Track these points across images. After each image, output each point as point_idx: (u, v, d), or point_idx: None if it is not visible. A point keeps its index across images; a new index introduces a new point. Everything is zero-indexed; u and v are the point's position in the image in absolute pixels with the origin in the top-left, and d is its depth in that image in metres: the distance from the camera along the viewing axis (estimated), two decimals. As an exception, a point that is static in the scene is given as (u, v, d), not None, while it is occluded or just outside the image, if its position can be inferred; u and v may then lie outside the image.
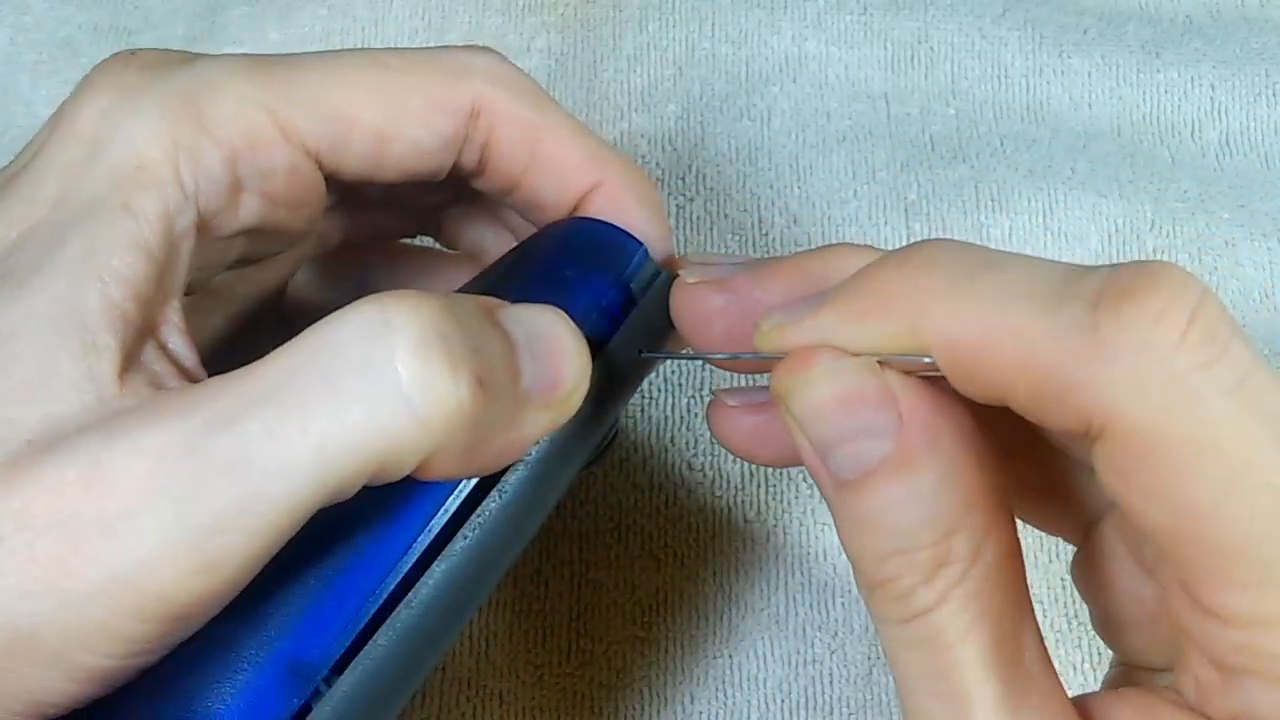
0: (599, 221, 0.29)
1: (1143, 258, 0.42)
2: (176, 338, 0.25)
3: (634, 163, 0.31)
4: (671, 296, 0.27)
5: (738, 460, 0.39)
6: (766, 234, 0.43)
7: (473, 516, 0.25)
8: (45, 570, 0.21)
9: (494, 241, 0.34)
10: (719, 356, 0.27)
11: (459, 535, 0.25)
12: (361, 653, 0.24)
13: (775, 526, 0.39)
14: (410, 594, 0.24)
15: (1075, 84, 0.46)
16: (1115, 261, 0.42)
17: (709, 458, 0.40)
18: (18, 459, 0.22)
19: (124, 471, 0.21)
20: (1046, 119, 0.46)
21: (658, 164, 0.45)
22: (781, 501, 0.39)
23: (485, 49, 0.29)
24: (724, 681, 0.37)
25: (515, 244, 0.32)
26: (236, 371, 0.22)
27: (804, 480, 0.39)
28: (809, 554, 0.38)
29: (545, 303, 0.25)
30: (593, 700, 0.37)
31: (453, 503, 0.25)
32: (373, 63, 0.28)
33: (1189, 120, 0.46)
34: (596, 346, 0.26)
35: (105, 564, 0.21)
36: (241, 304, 0.31)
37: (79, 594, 0.21)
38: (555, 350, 0.25)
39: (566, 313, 0.25)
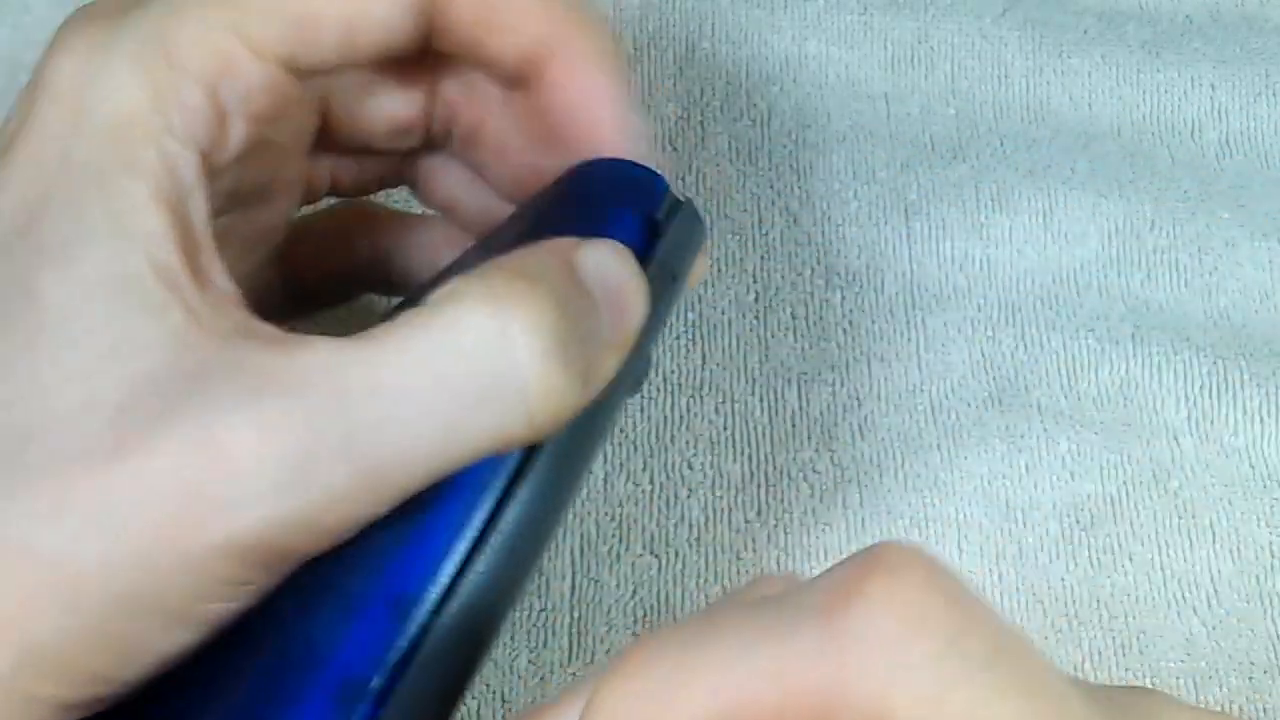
0: (617, 161, 0.29)
1: (1143, 258, 0.42)
2: (224, 282, 0.25)
3: (599, 22, 0.29)
4: None
5: (738, 460, 0.39)
6: (766, 234, 0.43)
7: (544, 448, 0.26)
8: (165, 533, 0.22)
9: (469, 194, 0.33)
10: None
11: (533, 465, 0.25)
12: (462, 582, 0.25)
13: (776, 526, 0.39)
14: (499, 520, 0.25)
15: (1075, 84, 0.46)
16: (1114, 263, 0.42)
17: (709, 457, 0.40)
18: (122, 428, 0.22)
19: (236, 441, 0.22)
20: (1046, 119, 0.46)
21: (658, 164, 0.45)
22: (782, 502, 0.39)
23: None
24: (724, 681, 0.37)
25: (490, 197, 0.32)
26: (345, 345, 0.23)
27: (804, 480, 0.39)
28: (810, 554, 0.38)
29: None
30: (593, 700, 0.37)
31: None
32: None
33: (1189, 120, 0.46)
34: None
35: (223, 526, 0.22)
36: (243, 250, 0.31)
37: (199, 554, 0.22)
38: (625, 299, 0.25)
39: None
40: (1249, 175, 0.45)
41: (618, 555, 0.38)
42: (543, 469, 0.26)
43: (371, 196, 0.35)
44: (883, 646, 0.18)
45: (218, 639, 0.24)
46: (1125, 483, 0.39)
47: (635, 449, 0.40)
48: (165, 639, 0.23)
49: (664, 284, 0.28)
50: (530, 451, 0.25)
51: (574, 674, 0.37)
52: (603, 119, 0.29)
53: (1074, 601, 0.37)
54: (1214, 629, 0.37)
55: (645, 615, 0.38)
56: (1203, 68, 0.46)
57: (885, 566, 0.19)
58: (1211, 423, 0.40)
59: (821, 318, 0.42)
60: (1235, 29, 0.47)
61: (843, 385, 0.41)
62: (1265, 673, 0.36)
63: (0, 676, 0.22)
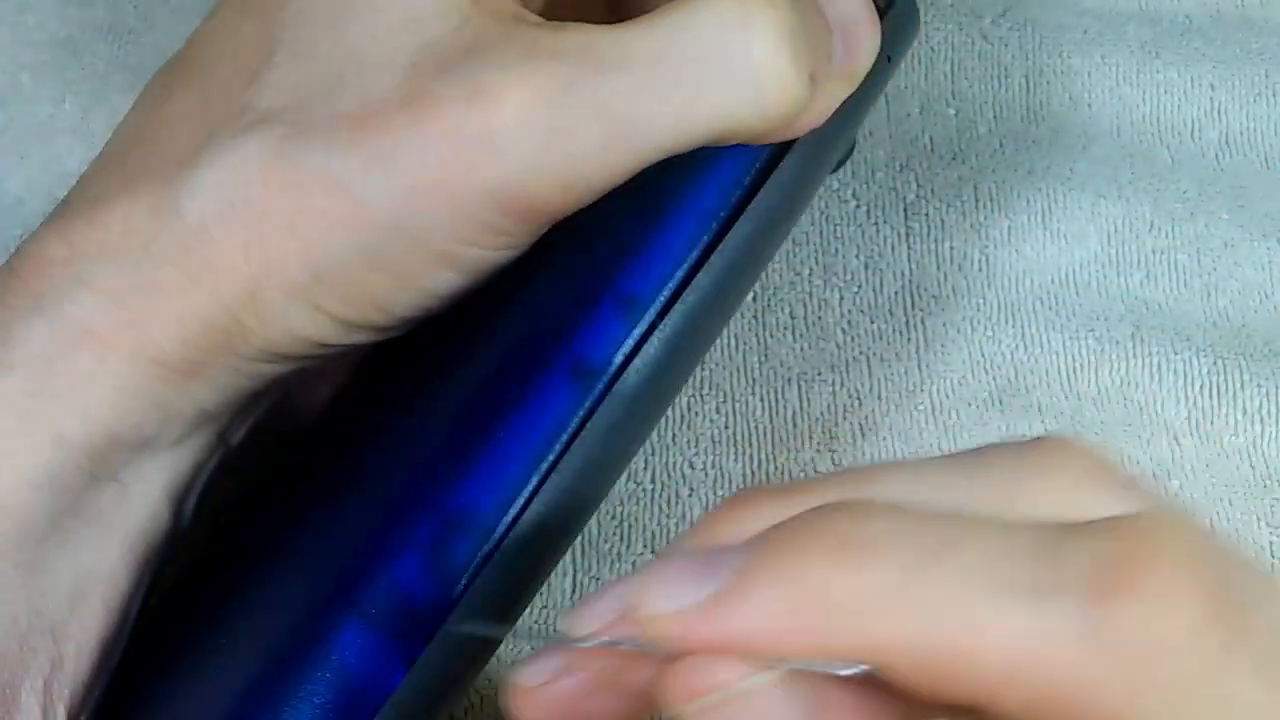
0: None
1: (1143, 258, 0.42)
2: None
3: None
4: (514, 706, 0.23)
5: (739, 459, 0.39)
6: (767, 234, 0.43)
7: (767, 183, 0.29)
8: (437, 174, 0.25)
9: None
10: (593, 644, 0.21)
11: (755, 200, 0.29)
12: (687, 289, 0.28)
13: (776, 526, 0.39)
14: (722, 243, 0.29)
15: (1075, 84, 0.46)
16: (1114, 263, 0.42)
17: (710, 456, 0.40)
18: (408, 81, 0.25)
19: (507, 96, 0.24)
20: (1046, 119, 0.46)
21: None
22: (782, 501, 0.39)
23: None
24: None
25: None
26: (598, 28, 0.25)
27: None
28: (810, 553, 0.38)
29: None
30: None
31: (751, 169, 0.29)
32: None
33: (1189, 120, 0.46)
34: None
35: (490, 172, 0.25)
36: None
37: (466, 197, 0.25)
38: (858, 32, 0.27)
39: None
40: (1249, 176, 0.45)
41: (619, 554, 0.38)
42: (764, 202, 0.29)
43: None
44: (1155, 665, 0.18)
45: (462, 316, 0.28)
46: (1125, 482, 0.39)
47: (636, 448, 0.40)
48: (431, 276, 0.26)
49: (879, 64, 0.30)
50: (753, 188, 0.29)
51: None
52: None
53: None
54: (1214, 629, 0.37)
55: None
56: (1202, 68, 0.46)
57: (1169, 555, 0.18)
58: (1211, 423, 0.40)
59: (821, 317, 0.42)
60: (1235, 29, 0.47)
61: (843, 385, 0.41)
62: (1265, 672, 0.36)
63: (297, 286, 0.25)
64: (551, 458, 0.27)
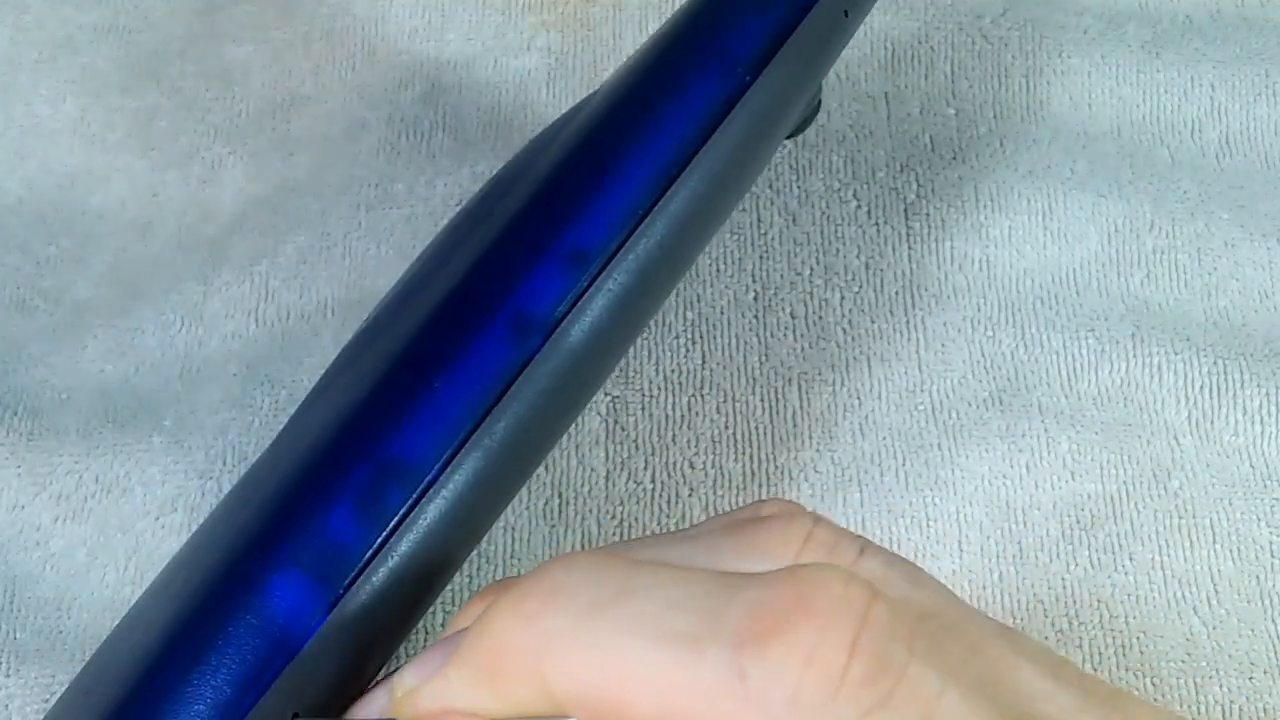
0: None
1: (1143, 258, 0.42)
2: None
3: None
4: None
5: (740, 459, 0.39)
6: (765, 233, 0.43)
7: (713, 137, 0.30)
8: None
9: None
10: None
11: (701, 154, 0.30)
12: (632, 244, 0.29)
13: (776, 525, 0.39)
14: (668, 198, 0.29)
15: (1075, 84, 0.46)
16: (1114, 263, 0.42)
17: (711, 456, 0.40)
18: None
19: None
20: (1046, 119, 0.46)
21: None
22: (782, 500, 0.39)
23: None
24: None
25: None
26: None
27: (805, 480, 0.39)
28: (810, 553, 0.38)
29: None
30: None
31: (699, 123, 0.30)
32: None
33: (1189, 120, 0.46)
34: (807, 5, 0.31)
35: None
36: None
37: None
38: None
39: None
40: (1249, 175, 0.45)
41: (618, 554, 0.38)
42: (711, 156, 0.30)
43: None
44: (794, 701, 0.17)
45: (418, 272, 0.29)
46: (1125, 483, 0.39)
47: (637, 448, 0.40)
48: None
49: (836, 18, 0.30)
50: (699, 143, 0.29)
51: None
52: None
53: (1074, 601, 0.37)
54: (1214, 629, 0.37)
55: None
56: (1203, 68, 0.46)
57: (819, 604, 0.18)
58: (1211, 423, 0.40)
59: (821, 317, 0.42)
60: (1235, 29, 0.47)
61: (843, 385, 0.41)
62: (1265, 673, 0.36)
63: None
64: (486, 408, 0.27)
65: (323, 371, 0.30)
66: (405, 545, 0.26)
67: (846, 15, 0.32)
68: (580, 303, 0.28)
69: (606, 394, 0.41)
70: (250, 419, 0.41)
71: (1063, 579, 0.38)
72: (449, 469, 0.27)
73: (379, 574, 0.26)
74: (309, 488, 0.27)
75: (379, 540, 0.26)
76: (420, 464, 0.26)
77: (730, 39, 0.31)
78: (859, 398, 0.40)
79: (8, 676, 0.37)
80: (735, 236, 0.43)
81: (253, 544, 0.26)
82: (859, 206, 0.44)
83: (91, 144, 0.46)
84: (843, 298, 0.42)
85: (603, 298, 0.28)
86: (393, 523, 0.26)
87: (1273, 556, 0.38)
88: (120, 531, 0.39)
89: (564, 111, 0.32)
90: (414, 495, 0.26)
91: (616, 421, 0.40)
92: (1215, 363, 0.40)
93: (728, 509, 0.39)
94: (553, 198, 0.29)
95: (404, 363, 0.28)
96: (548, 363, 0.28)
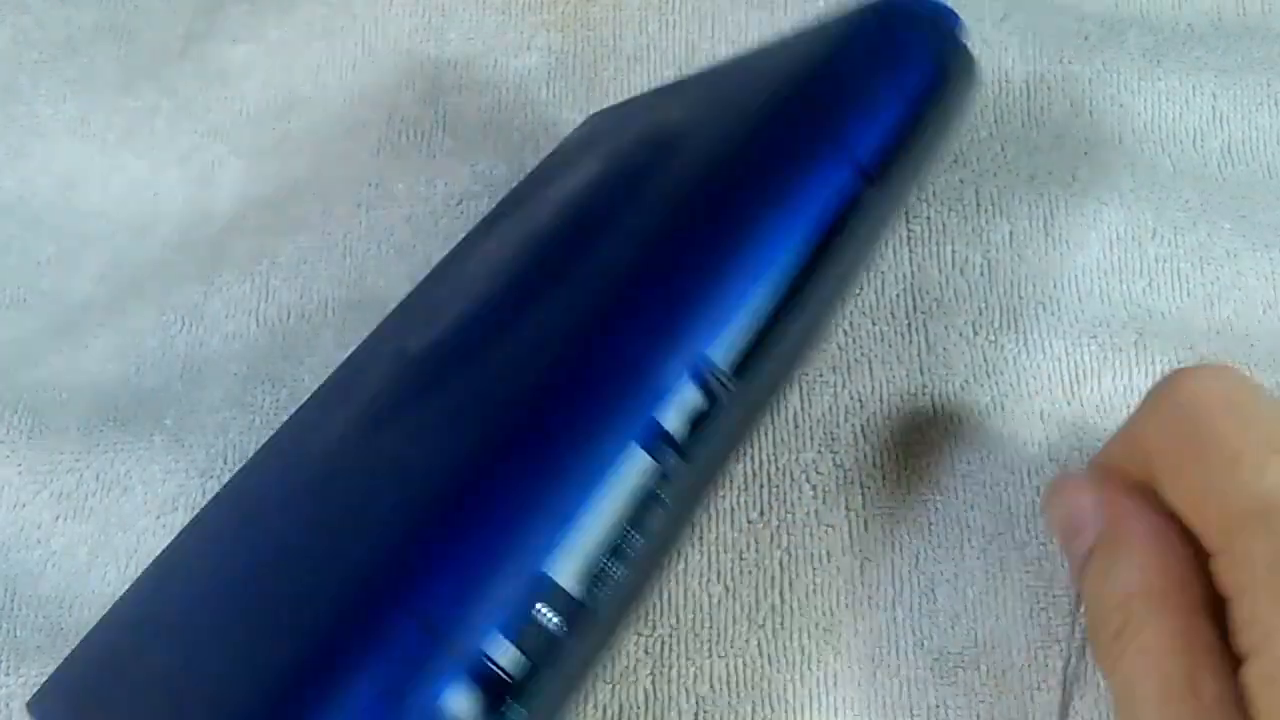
0: None
1: (1145, 266, 0.42)
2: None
3: None
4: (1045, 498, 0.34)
5: (740, 460, 0.39)
6: (768, 237, 0.43)
7: (829, 252, 0.30)
8: None
9: None
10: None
11: (828, 261, 0.30)
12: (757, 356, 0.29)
13: (779, 527, 0.38)
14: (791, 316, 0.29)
15: (1075, 90, 0.46)
16: (1116, 270, 0.42)
17: (712, 457, 0.40)
18: None
19: None
20: (1047, 125, 0.46)
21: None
22: (785, 503, 0.39)
23: None
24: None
25: None
26: None
27: (807, 482, 0.39)
28: (812, 555, 0.38)
29: (883, 93, 0.31)
30: (596, 698, 0.37)
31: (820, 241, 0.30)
32: None
33: (1190, 129, 0.46)
34: (915, 123, 0.31)
35: None
36: None
37: None
38: None
39: (901, 105, 0.31)
40: (1251, 185, 0.45)
41: (619, 556, 0.38)
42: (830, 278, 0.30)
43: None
44: None
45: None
46: (1128, 488, 0.39)
47: (637, 449, 0.40)
48: None
49: (939, 130, 0.31)
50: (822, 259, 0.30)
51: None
52: None
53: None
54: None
55: (647, 615, 0.38)
56: (1204, 76, 0.46)
57: None
58: (1214, 428, 0.39)
59: (823, 321, 0.42)
60: (1237, 37, 0.47)
61: (845, 387, 0.40)
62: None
63: None
64: (624, 532, 0.26)
65: (323, 371, 0.30)
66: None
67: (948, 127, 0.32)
68: (710, 423, 0.28)
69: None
70: (251, 418, 0.41)
71: (1066, 585, 0.38)
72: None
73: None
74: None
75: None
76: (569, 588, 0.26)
77: (851, 136, 0.30)
78: (860, 400, 0.40)
79: (8, 675, 0.37)
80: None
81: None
82: (860, 211, 0.44)
83: (91, 144, 0.46)
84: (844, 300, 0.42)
85: (729, 417, 0.28)
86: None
87: (1275, 562, 0.38)
88: (121, 530, 0.39)
89: (577, 125, 0.31)
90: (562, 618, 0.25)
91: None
92: (1218, 369, 0.40)
93: (729, 510, 0.39)
94: (673, 300, 0.28)
95: (526, 456, 0.26)
96: (680, 481, 0.27)
